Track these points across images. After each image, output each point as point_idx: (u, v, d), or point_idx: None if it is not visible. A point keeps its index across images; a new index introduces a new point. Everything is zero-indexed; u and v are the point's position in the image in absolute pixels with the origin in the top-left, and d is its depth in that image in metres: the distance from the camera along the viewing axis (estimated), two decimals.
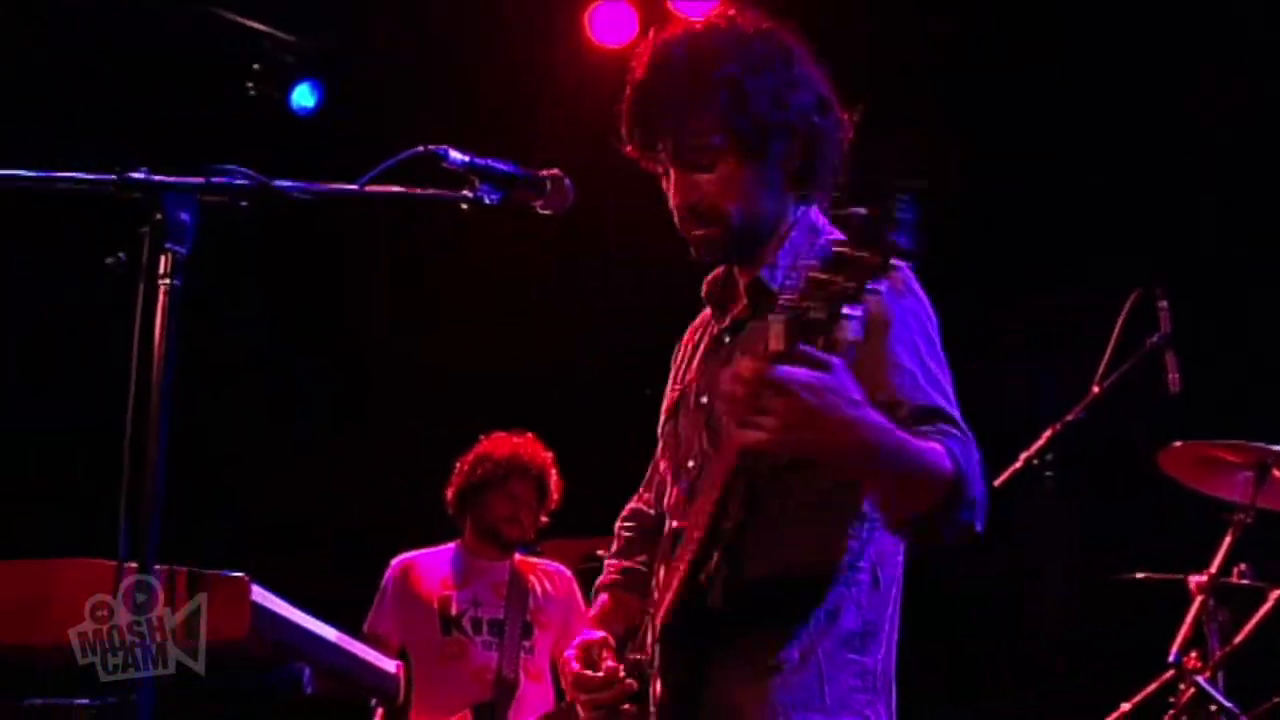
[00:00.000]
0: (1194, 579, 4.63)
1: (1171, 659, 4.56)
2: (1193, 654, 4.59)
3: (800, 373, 2.19)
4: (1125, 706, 4.74)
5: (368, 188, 2.66)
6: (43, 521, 6.09)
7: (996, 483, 5.00)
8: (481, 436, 5.75)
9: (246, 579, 2.48)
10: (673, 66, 2.72)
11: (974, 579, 6.12)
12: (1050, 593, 4.71)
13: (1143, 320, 5.02)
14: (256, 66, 7.37)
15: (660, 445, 2.98)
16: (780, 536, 2.60)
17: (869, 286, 2.15)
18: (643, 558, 3.00)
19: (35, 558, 2.47)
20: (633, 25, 6.97)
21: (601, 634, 2.83)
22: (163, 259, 2.37)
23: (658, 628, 2.64)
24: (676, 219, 2.75)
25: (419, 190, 2.73)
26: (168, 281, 2.36)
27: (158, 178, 2.40)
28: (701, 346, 2.94)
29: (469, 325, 7.18)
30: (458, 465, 5.68)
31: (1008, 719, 5.85)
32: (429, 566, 5.58)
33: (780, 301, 2.22)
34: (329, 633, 2.84)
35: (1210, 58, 6.01)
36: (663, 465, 2.94)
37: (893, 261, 2.14)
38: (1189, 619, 4.59)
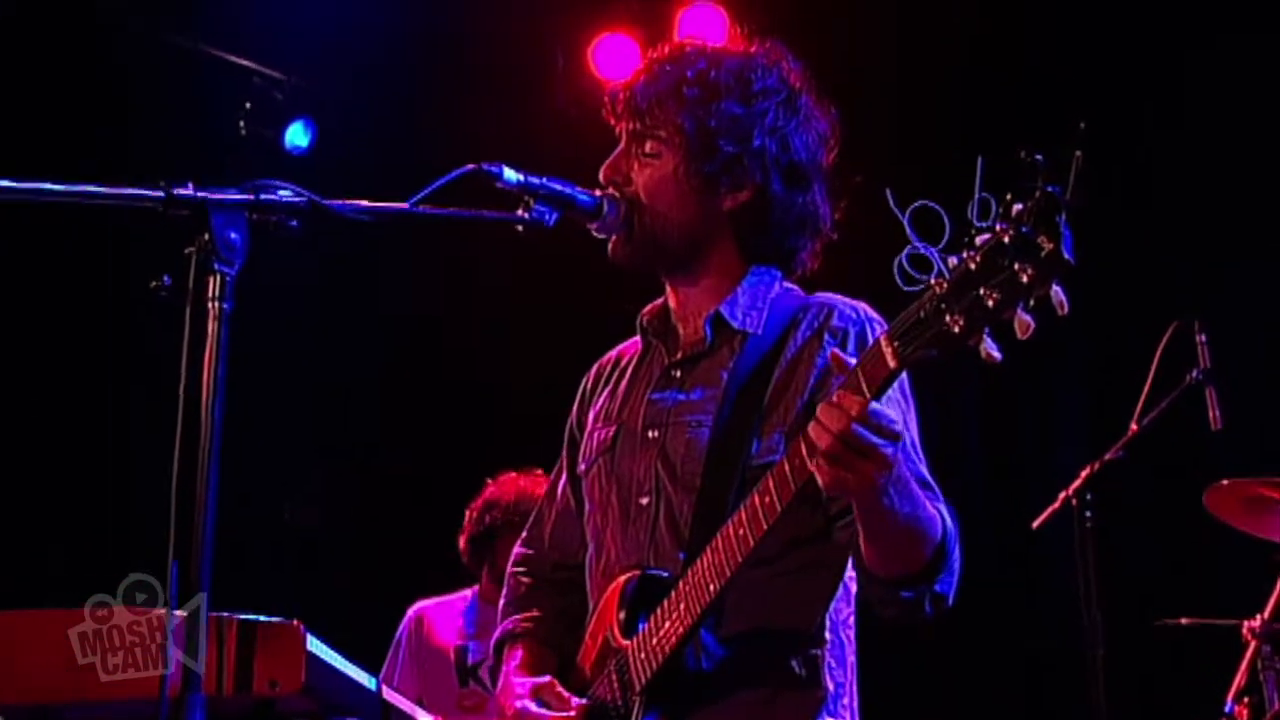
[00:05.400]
0: (1248, 624, 4.47)
1: (1226, 709, 4.40)
2: (1245, 701, 4.43)
3: (895, 420, 2.17)
4: None
5: (420, 207, 2.54)
6: (81, 562, 5.76)
7: (1035, 523, 4.84)
8: (488, 480, 5.54)
9: (301, 626, 2.28)
10: (672, 60, 2.76)
11: (1013, 625, 5.95)
12: (1092, 639, 4.52)
13: (1181, 355, 4.86)
14: (248, 105, 7.17)
15: (586, 485, 2.85)
16: (762, 601, 2.57)
17: (1018, 310, 1.88)
18: (536, 613, 2.99)
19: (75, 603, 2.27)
20: (636, 59, 6.83)
21: (547, 678, 2.77)
22: (211, 281, 2.19)
23: (638, 686, 2.57)
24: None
25: (474, 211, 2.60)
26: (217, 304, 2.19)
27: (207, 194, 2.22)
28: (639, 380, 2.84)
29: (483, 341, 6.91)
30: (467, 513, 5.46)
31: None
32: (444, 615, 5.35)
33: (921, 299, 1.99)
34: (373, 685, 2.64)
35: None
36: (592, 507, 2.83)
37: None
38: (1243, 666, 4.43)
